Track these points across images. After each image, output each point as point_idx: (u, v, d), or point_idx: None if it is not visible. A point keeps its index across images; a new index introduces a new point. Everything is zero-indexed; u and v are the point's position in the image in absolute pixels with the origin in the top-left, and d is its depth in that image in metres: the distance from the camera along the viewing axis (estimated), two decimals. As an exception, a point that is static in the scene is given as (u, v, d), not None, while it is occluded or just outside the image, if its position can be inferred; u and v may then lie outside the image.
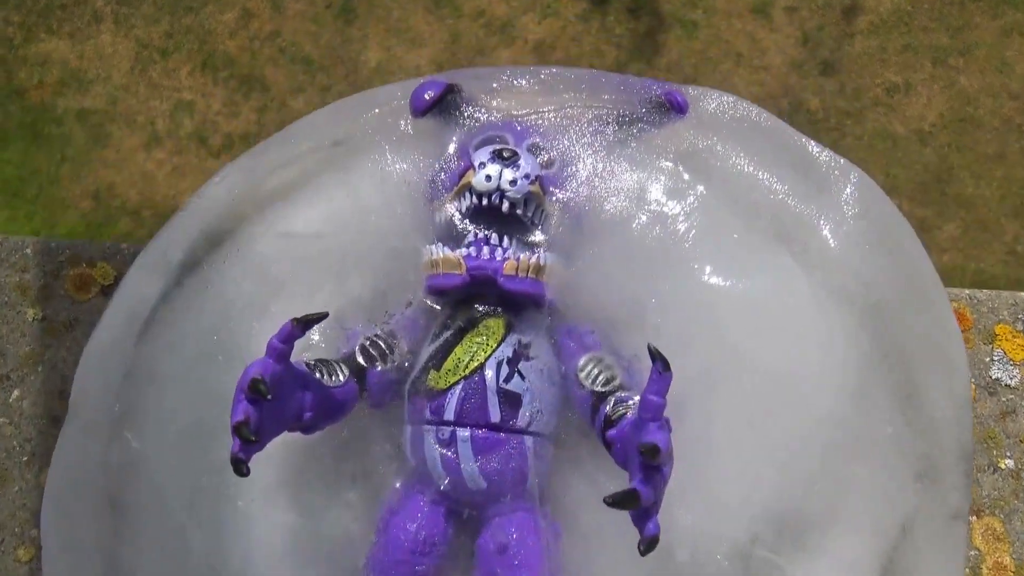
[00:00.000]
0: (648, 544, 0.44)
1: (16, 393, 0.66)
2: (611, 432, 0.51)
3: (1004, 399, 0.63)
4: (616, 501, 0.44)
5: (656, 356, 0.47)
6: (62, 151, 1.41)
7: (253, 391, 0.47)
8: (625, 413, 0.51)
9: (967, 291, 0.66)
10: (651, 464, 0.45)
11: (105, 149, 1.40)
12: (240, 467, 0.46)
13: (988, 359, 0.64)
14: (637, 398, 0.53)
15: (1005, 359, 0.64)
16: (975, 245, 1.33)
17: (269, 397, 0.47)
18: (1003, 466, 0.62)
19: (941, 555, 0.54)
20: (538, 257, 0.56)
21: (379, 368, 0.57)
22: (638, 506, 0.44)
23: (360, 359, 0.57)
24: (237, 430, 0.46)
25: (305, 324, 0.50)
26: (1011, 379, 0.63)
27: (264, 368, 0.48)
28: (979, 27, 1.42)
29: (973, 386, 0.63)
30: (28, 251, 0.70)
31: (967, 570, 0.60)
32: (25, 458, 0.65)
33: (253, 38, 1.42)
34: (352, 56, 1.41)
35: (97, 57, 1.45)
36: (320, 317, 0.50)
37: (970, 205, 1.35)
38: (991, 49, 1.41)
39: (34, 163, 1.41)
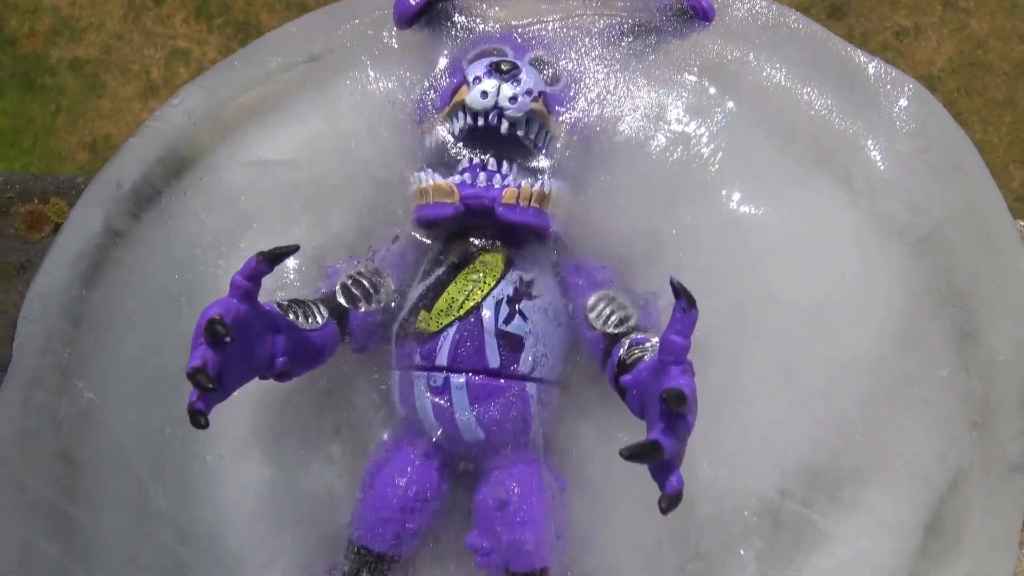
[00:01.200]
0: (670, 501, 0.39)
1: (-37, 342, 0.60)
2: (626, 378, 0.45)
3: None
4: (634, 454, 0.38)
5: (680, 292, 0.40)
6: (56, 101, 1.38)
7: (211, 333, 0.40)
8: (642, 356, 0.45)
9: (1022, 223, 0.59)
10: (675, 412, 0.39)
11: (100, 99, 1.38)
12: (198, 418, 0.40)
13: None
14: (655, 340, 0.47)
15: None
16: (982, 192, 1.35)
17: (228, 339, 0.40)
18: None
19: (995, 511, 0.48)
20: (542, 184, 0.49)
21: (362, 309, 0.51)
22: (660, 459, 0.38)
23: (341, 299, 0.50)
24: (193, 377, 0.40)
25: (273, 259, 0.43)
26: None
27: (225, 309, 0.42)
28: (991, -33, 1.37)
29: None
30: (-26, 186, 0.63)
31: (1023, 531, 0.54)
32: (-25, 413, 0.59)
33: (247, -18, 1.38)
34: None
35: (89, 4, 1.41)
36: (290, 251, 0.44)
37: (978, 151, 1.34)
38: (1003, -10, 1.36)
39: (29, 114, 1.39)
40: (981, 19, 1.35)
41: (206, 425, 0.40)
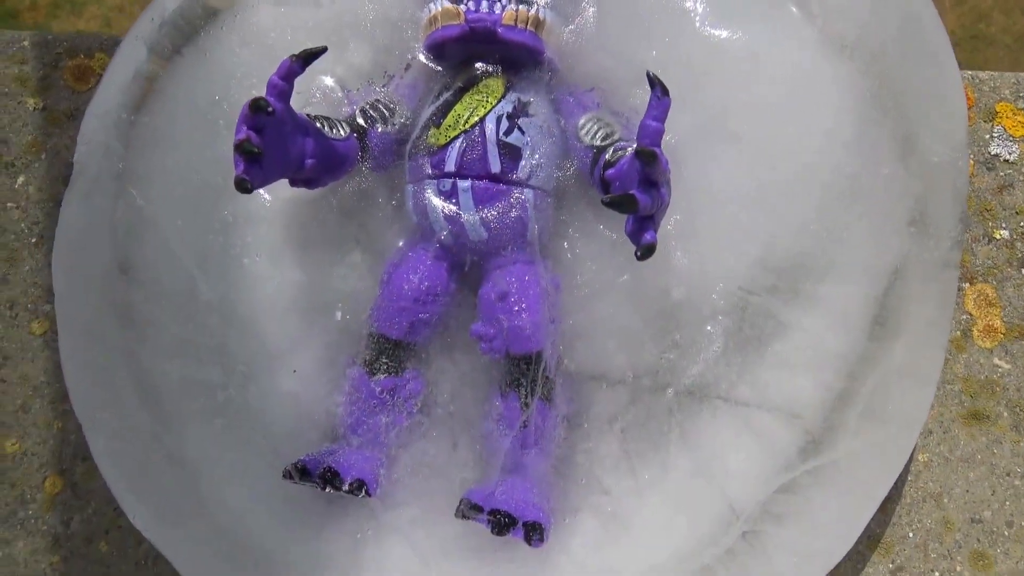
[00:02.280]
0: (644, 251, 0.45)
1: (22, 179, 0.67)
2: (610, 172, 0.51)
3: (1002, 174, 0.64)
4: (613, 202, 0.44)
5: (655, 82, 0.47)
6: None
7: (255, 108, 0.47)
8: (624, 154, 0.52)
9: (969, 72, 0.65)
10: (649, 174, 0.45)
11: (103, 73, 1.41)
12: (244, 184, 0.47)
13: (988, 136, 0.64)
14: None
15: (1005, 135, 0.63)
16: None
17: (271, 110, 0.47)
18: (998, 236, 0.62)
19: (931, 301, 0.55)
20: (537, 11, 0.56)
21: (379, 130, 0.57)
22: (635, 209, 0.45)
23: (360, 120, 0.57)
24: (239, 147, 0.47)
25: (305, 59, 0.50)
26: (1010, 154, 0.63)
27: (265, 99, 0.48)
28: (994, -63, 1.37)
29: (972, 162, 0.64)
30: (26, 43, 0.69)
31: (959, 332, 0.62)
32: (34, 239, 0.66)
33: (251, -47, 1.40)
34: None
35: (90, -23, 1.42)
36: (319, 51, 0.50)
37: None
38: (1005, -37, 1.37)
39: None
40: (984, -8, 1.36)
41: (251, 190, 0.47)
